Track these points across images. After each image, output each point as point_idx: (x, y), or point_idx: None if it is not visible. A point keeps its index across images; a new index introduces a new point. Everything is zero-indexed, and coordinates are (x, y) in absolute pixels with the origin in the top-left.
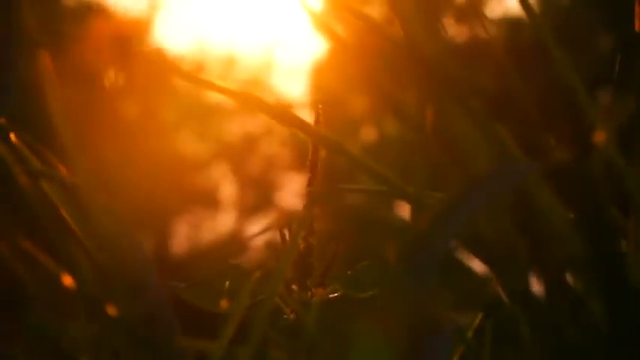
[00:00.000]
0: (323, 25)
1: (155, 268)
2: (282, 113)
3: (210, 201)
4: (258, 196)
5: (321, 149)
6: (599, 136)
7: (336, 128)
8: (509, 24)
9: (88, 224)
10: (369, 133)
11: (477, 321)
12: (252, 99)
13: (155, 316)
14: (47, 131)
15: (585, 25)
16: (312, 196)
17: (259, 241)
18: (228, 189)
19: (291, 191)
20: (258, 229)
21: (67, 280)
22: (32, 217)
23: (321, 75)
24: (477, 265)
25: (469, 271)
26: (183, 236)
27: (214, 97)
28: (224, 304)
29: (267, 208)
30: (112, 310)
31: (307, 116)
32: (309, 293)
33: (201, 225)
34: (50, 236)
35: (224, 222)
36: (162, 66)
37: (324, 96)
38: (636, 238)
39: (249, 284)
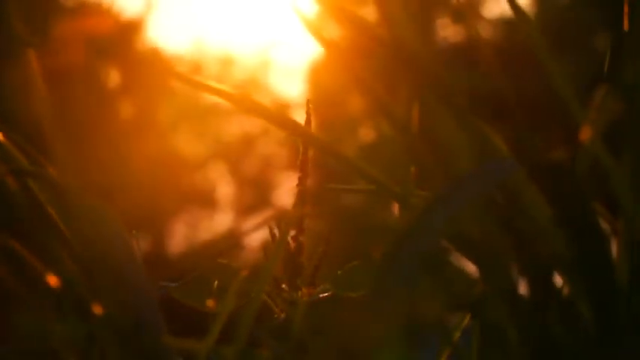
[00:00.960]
0: (314, 28)
1: (143, 268)
2: (276, 115)
3: (207, 201)
4: (255, 195)
5: (312, 149)
6: (585, 134)
7: (332, 128)
8: (506, 25)
9: (76, 224)
10: (365, 133)
11: (465, 321)
12: (246, 100)
13: (142, 315)
14: (35, 131)
15: (584, 24)
16: (301, 196)
17: (255, 241)
18: (225, 189)
19: (288, 191)
20: (250, 227)
21: (53, 280)
22: (19, 217)
23: (318, 75)
24: (467, 266)
25: (457, 272)
26: (180, 235)
27: (211, 97)
28: (211, 303)
29: (264, 207)
30: (98, 310)
31: (304, 117)
32: (299, 292)
33: (198, 224)
34: (37, 236)
35: (221, 221)
36: (158, 67)
37: (318, 96)
38: (624, 239)
39: (237, 283)
